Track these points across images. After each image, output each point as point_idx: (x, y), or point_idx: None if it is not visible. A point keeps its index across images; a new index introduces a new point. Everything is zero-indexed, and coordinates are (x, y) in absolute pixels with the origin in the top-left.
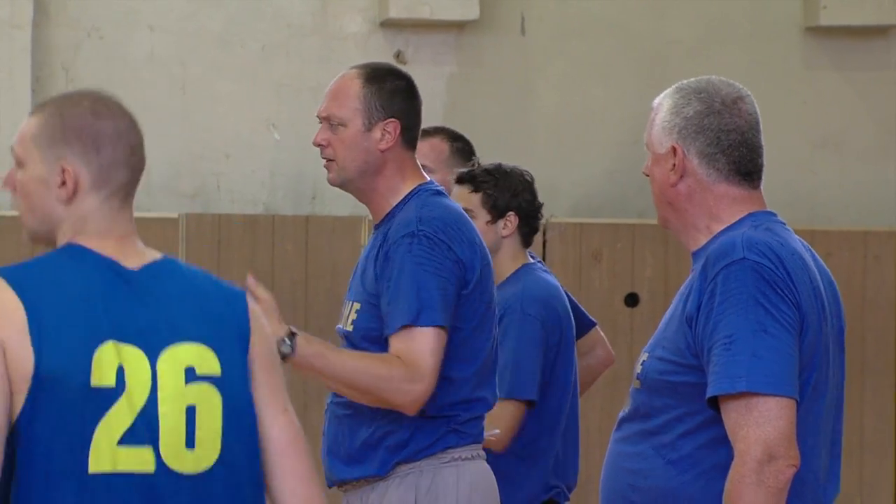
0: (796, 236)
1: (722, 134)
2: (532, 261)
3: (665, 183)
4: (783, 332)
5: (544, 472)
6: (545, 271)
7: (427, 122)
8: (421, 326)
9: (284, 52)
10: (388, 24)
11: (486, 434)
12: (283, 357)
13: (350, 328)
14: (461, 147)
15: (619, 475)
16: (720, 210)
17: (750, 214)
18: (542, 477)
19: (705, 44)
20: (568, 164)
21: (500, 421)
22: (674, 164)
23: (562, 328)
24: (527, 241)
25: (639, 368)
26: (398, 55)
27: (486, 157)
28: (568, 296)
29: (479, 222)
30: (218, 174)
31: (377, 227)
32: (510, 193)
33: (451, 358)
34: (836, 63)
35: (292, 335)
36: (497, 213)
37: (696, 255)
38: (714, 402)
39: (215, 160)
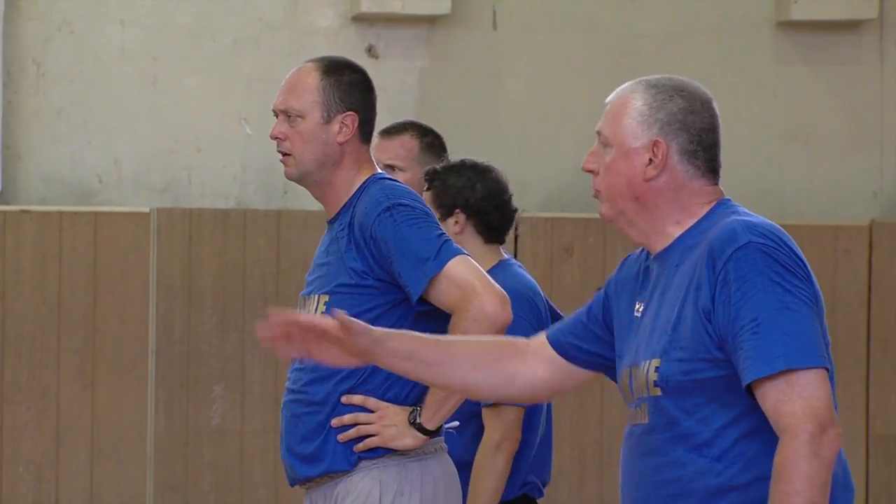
0: None
1: (703, 132)
2: (506, 257)
3: (637, 177)
4: (804, 307)
5: (523, 468)
6: (520, 268)
7: (398, 116)
8: (447, 264)
9: (255, 46)
10: (360, 19)
11: (447, 426)
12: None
13: None
14: (431, 142)
15: (656, 489)
16: (692, 204)
17: (719, 203)
18: (521, 473)
19: (674, 38)
20: (539, 158)
21: (502, 427)
22: (651, 159)
23: (543, 327)
24: (491, 239)
25: (654, 376)
26: (369, 49)
27: (457, 151)
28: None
29: None
30: (189, 168)
31: (331, 221)
32: (453, 191)
33: None
34: (807, 58)
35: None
36: (444, 211)
37: (663, 254)
38: (748, 389)
39: (186, 154)
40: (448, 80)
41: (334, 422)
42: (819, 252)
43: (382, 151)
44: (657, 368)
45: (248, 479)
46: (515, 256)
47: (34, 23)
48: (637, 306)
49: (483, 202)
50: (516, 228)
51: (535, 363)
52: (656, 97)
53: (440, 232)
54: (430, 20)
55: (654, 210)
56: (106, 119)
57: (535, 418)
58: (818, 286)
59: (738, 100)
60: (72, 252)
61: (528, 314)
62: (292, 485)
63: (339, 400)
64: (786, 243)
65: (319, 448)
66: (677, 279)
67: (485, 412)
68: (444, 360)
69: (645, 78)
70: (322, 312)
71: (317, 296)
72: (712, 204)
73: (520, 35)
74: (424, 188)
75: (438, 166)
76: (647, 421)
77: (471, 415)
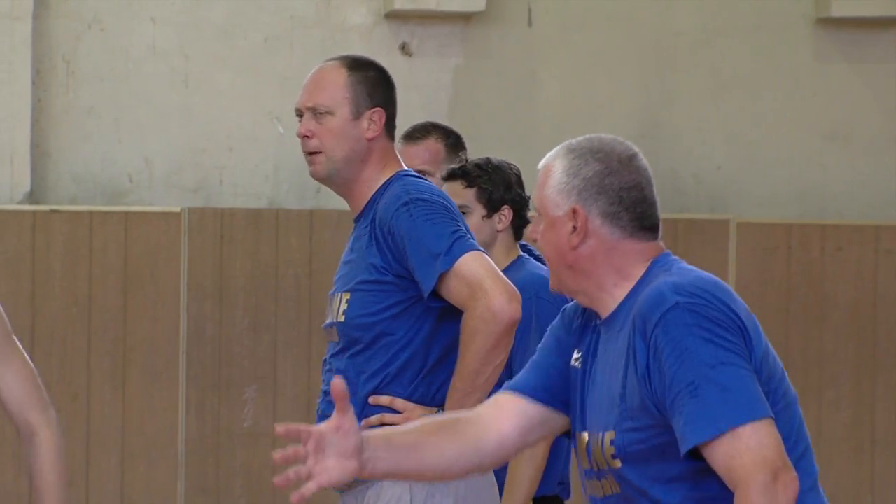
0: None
1: (623, 192)
2: (524, 253)
3: (564, 247)
4: (739, 359)
5: (561, 462)
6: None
7: (432, 114)
8: (457, 260)
9: (288, 43)
10: (393, 16)
11: None
12: None
13: (342, 319)
14: (454, 142)
15: None
16: (627, 266)
17: (653, 262)
18: (558, 467)
19: (712, 35)
20: None
21: None
22: (574, 227)
23: None
24: (518, 234)
25: (611, 449)
26: (403, 47)
27: (491, 149)
28: None
29: (475, 217)
30: (221, 168)
31: (357, 219)
32: (504, 187)
33: (444, 339)
34: (847, 55)
35: None
36: (492, 208)
37: (608, 321)
38: (693, 451)
39: (218, 153)
40: (483, 79)
41: (363, 423)
42: (859, 252)
43: (410, 157)
44: (612, 441)
45: None
46: None
47: (64, 20)
48: (575, 355)
49: (523, 199)
50: None
51: (497, 422)
52: (573, 163)
53: (456, 228)
54: (465, 17)
55: (590, 276)
56: (137, 118)
57: None
58: (755, 329)
59: (777, 98)
60: (102, 252)
61: (557, 299)
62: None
63: (366, 401)
64: (717, 298)
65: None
66: (619, 346)
67: None
68: (418, 441)
69: (568, 142)
70: (344, 311)
71: (340, 294)
72: (647, 263)
73: (555, 32)
74: (463, 185)
75: (468, 164)
76: (619, 491)
77: None
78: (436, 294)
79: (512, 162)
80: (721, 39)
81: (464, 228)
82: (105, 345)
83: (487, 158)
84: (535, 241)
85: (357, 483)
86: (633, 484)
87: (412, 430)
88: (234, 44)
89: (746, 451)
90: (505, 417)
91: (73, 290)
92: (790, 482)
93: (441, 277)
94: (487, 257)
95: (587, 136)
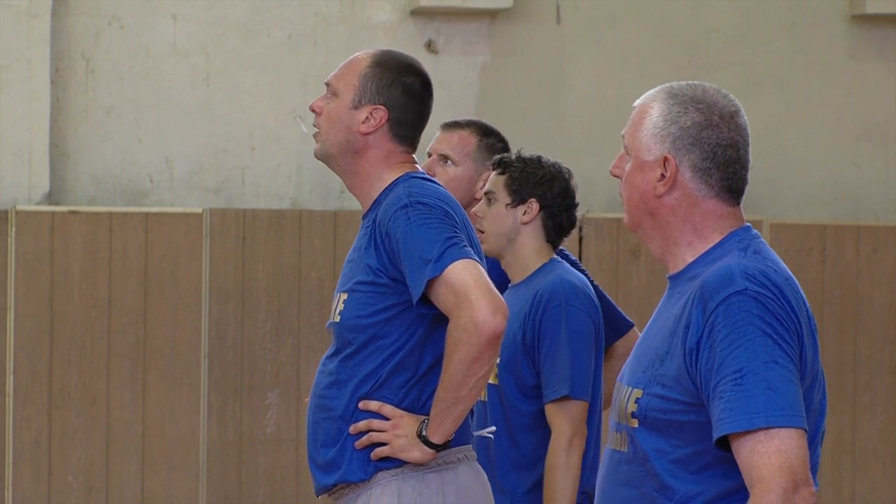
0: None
1: (718, 149)
2: (557, 256)
3: (649, 193)
4: (790, 363)
5: (585, 470)
6: (576, 266)
7: (459, 112)
8: (447, 267)
9: (311, 41)
10: (419, 13)
11: (483, 432)
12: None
13: (338, 319)
14: (492, 143)
15: None
16: (705, 227)
17: (732, 234)
18: (584, 475)
19: (745, 32)
20: (603, 156)
21: (572, 423)
22: (662, 175)
23: (599, 323)
24: (551, 238)
25: (633, 406)
26: (429, 44)
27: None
28: (604, 295)
29: (499, 205)
30: (243, 168)
31: (364, 216)
32: (534, 182)
33: (436, 347)
34: (882, 53)
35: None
36: (517, 198)
37: (674, 278)
38: (721, 439)
39: (240, 153)
40: (510, 76)
41: (351, 428)
42: None
43: (440, 142)
44: (637, 399)
45: (303, 489)
46: (580, 258)
47: (83, 18)
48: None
49: (557, 199)
50: (580, 230)
51: None
52: (672, 109)
53: (452, 234)
54: (492, 14)
55: (667, 228)
56: (157, 117)
57: (592, 424)
58: (811, 337)
59: (811, 96)
60: (122, 254)
61: (587, 306)
62: (318, 494)
63: (357, 406)
64: (783, 294)
65: (337, 455)
66: (675, 310)
67: (549, 409)
68: None
69: (670, 84)
70: (340, 311)
71: (339, 295)
72: (726, 233)
73: (584, 29)
74: (497, 172)
75: (510, 154)
76: (625, 450)
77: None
78: (427, 300)
79: (566, 166)
80: (754, 36)
81: (461, 236)
82: (125, 348)
83: (538, 156)
84: (615, 176)
85: (344, 489)
86: (640, 448)
87: None
88: (257, 41)
89: (776, 453)
90: None
91: (92, 292)
92: (808, 497)
93: (430, 284)
94: (480, 267)
95: (690, 82)
